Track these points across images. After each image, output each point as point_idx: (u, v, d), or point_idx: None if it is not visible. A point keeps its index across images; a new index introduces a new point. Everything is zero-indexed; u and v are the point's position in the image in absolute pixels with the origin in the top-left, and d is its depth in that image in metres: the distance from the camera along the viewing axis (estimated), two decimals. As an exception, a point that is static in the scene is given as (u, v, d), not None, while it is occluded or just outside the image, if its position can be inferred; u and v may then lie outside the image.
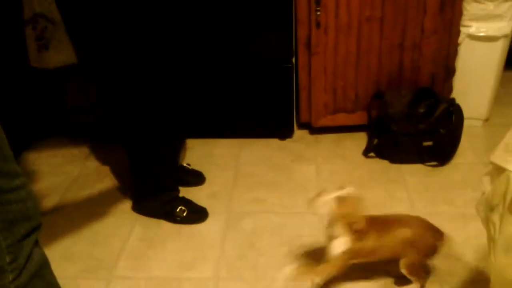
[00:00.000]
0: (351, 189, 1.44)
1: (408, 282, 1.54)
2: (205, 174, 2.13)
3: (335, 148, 2.31)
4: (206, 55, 2.21)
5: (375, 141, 2.22)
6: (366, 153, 2.23)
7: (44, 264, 1.15)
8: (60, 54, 2.25)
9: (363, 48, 2.19)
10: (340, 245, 1.44)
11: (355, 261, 1.48)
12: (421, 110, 2.11)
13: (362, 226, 1.42)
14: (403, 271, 1.50)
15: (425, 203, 1.93)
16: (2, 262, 1.05)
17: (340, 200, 1.42)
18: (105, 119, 2.36)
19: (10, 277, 1.07)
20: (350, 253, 1.44)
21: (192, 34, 2.15)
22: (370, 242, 1.45)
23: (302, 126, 2.43)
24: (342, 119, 2.34)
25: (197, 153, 2.28)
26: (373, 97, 2.27)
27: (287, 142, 2.38)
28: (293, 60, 2.23)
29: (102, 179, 2.17)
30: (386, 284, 1.60)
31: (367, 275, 1.62)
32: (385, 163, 2.18)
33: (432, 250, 1.51)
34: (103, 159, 2.31)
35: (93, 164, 2.28)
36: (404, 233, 1.48)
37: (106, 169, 2.24)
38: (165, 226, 1.89)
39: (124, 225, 1.90)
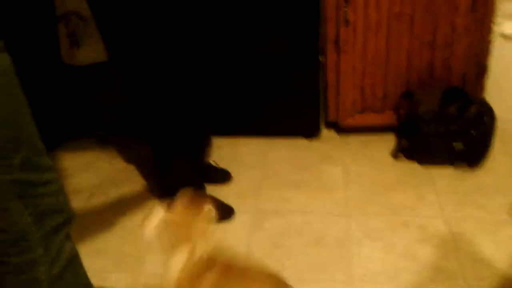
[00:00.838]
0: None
1: None
2: (232, 172, 2.13)
3: (363, 148, 2.28)
4: (233, 52, 2.21)
5: (404, 142, 2.18)
6: (395, 154, 2.19)
7: (75, 257, 1.18)
8: (91, 51, 2.28)
9: (392, 46, 2.15)
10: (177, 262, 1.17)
11: None
12: (452, 111, 2.07)
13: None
14: None
15: (455, 207, 1.89)
16: (34, 254, 1.08)
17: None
18: (131, 117, 2.39)
19: (42, 268, 1.09)
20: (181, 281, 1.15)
21: (220, 31, 2.15)
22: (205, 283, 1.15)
23: (329, 125, 2.41)
24: (370, 118, 2.31)
25: (224, 151, 2.28)
26: (402, 96, 2.23)
27: (314, 141, 2.36)
28: (321, 58, 2.21)
29: (130, 176, 2.20)
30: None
31: None
32: (414, 165, 2.14)
33: None
34: (131, 156, 2.33)
35: (121, 161, 2.31)
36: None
37: (134, 166, 2.26)
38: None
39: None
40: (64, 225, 1.13)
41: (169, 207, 1.19)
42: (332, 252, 1.72)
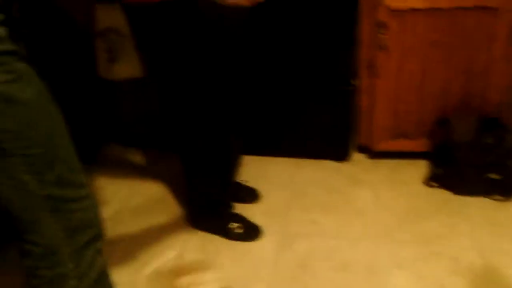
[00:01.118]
0: None
1: None
2: (260, 192, 2.13)
3: (394, 174, 2.25)
4: (266, 73, 2.22)
5: (438, 170, 2.14)
6: (428, 182, 2.15)
7: (105, 272, 1.18)
8: (127, 67, 2.33)
9: (427, 73, 2.13)
10: None
11: None
12: (489, 141, 2.02)
13: None
14: None
15: (490, 239, 1.83)
16: (65, 269, 1.09)
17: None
18: (163, 130, 2.42)
19: (72, 283, 1.10)
20: None
21: (256, 52, 2.17)
22: None
23: (360, 149, 2.39)
24: (403, 144, 2.27)
25: (252, 170, 2.28)
26: (437, 123, 2.19)
27: (344, 164, 2.34)
28: (354, 81, 2.20)
29: (159, 189, 2.22)
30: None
31: None
32: (448, 194, 2.08)
33: None
34: (161, 169, 2.35)
35: (151, 174, 2.33)
36: None
37: (164, 179, 2.28)
38: (219, 241, 1.90)
39: (180, 237, 1.93)
40: (96, 241, 1.14)
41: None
42: (359, 279, 1.69)
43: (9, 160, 0.96)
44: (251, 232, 1.90)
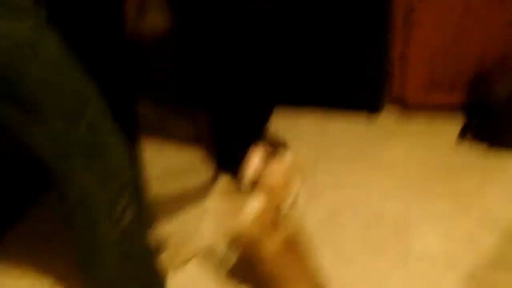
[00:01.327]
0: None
1: None
2: (289, 143, 2.11)
3: (429, 127, 2.19)
4: (299, 17, 2.15)
5: (473, 124, 2.08)
6: (462, 135, 2.09)
7: (137, 219, 1.21)
8: (157, 20, 2.31)
9: (469, 22, 2.03)
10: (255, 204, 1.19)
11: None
12: (528, 95, 1.94)
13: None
14: None
15: (525, 195, 1.79)
16: (99, 213, 1.12)
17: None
18: (192, 85, 2.40)
19: (106, 228, 1.14)
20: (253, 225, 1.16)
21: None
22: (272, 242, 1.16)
23: (393, 101, 2.32)
24: (438, 97, 2.20)
25: (281, 122, 2.26)
26: (475, 76, 2.11)
27: (376, 116, 2.29)
28: (390, 29, 2.12)
29: (189, 144, 2.23)
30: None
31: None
32: (482, 148, 2.03)
33: None
34: (191, 125, 2.35)
35: (181, 130, 2.33)
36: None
37: (191, 135, 2.28)
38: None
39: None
40: (128, 187, 1.16)
41: (265, 154, 1.20)
42: (388, 232, 1.68)
43: (40, 108, 0.97)
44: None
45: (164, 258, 1.42)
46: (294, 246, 1.21)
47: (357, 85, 2.26)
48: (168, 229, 1.61)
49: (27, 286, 1.61)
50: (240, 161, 1.92)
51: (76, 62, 1.03)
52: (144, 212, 1.45)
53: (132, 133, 1.32)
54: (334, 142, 2.14)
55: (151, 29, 2.25)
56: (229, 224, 1.22)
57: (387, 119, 2.27)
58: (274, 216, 1.18)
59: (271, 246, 1.16)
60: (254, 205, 1.19)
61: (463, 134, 2.10)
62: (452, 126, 2.15)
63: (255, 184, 1.18)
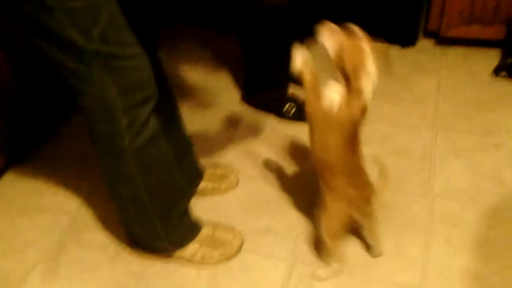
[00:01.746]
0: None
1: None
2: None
3: (463, 62, 2.12)
4: None
5: (510, 59, 2.00)
6: (497, 71, 2.02)
7: (159, 132, 1.22)
8: None
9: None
10: (336, 91, 1.14)
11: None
12: None
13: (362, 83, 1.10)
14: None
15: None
16: (120, 125, 1.13)
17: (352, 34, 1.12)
18: (223, 8, 2.35)
19: (127, 139, 1.15)
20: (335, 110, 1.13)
21: None
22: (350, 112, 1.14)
23: (428, 34, 2.24)
24: (476, 31, 2.11)
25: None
26: (515, 11, 2.01)
27: (409, 50, 2.22)
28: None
29: (217, 67, 2.22)
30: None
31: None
32: (516, 85, 1.97)
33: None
34: (220, 48, 2.34)
35: (210, 52, 2.33)
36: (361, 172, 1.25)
37: (222, 58, 2.27)
38: (271, 121, 1.92)
39: (234, 118, 1.97)
40: (149, 101, 1.16)
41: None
42: (414, 165, 1.68)
43: (53, 17, 0.96)
44: (303, 112, 1.89)
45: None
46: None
47: (391, 17, 2.17)
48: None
49: (56, 204, 1.68)
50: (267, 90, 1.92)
51: None
52: (175, 128, 1.47)
53: (155, 54, 1.30)
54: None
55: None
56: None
57: (420, 53, 2.20)
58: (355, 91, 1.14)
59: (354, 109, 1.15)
60: (337, 89, 1.16)
61: (498, 71, 2.02)
62: (488, 61, 2.08)
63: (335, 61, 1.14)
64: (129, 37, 1.08)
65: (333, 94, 1.16)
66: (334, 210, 1.26)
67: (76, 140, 1.91)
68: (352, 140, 1.20)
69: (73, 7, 0.96)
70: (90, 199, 1.68)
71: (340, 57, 1.13)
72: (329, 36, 1.13)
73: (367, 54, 1.13)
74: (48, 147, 1.91)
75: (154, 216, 1.32)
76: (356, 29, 1.15)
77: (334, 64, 1.15)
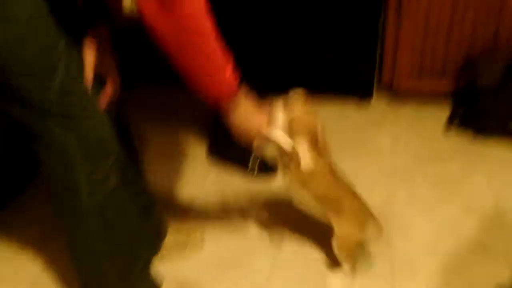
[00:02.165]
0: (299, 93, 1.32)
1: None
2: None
3: (416, 114, 2.23)
4: (290, 5, 2.16)
5: (461, 111, 2.11)
6: (449, 122, 2.13)
7: (119, 188, 1.23)
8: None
9: (458, 10, 2.05)
10: (306, 152, 1.32)
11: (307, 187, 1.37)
12: (514, 85, 1.97)
13: (320, 138, 1.32)
14: (334, 243, 1.45)
15: (506, 183, 1.83)
16: (79, 180, 1.15)
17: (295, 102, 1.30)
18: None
19: (86, 194, 1.16)
20: (311, 169, 1.33)
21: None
22: (326, 173, 1.38)
23: (382, 87, 2.35)
24: (427, 84, 2.23)
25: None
26: (463, 64, 2.14)
27: (365, 102, 2.32)
28: (381, 16, 2.14)
29: (181, 124, 2.27)
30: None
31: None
32: (468, 135, 2.07)
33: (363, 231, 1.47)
34: (185, 106, 2.40)
35: (173, 109, 2.38)
36: (351, 195, 1.46)
37: (187, 114, 2.32)
38: (238, 176, 1.96)
39: (201, 173, 2.00)
40: (110, 157, 1.18)
41: (286, 105, 1.28)
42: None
43: (6, 72, 0.99)
44: (268, 169, 1.93)
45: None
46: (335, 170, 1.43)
47: (348, 71, 2.28)
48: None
49: (18, 267, 1.65)
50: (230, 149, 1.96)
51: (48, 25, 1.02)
52: (138, 184, 1.47)
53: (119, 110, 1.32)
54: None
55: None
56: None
57: (375, 106, 2.30)
58: (317, 149, 1.34)
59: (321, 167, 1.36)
60: (304, 148, 1.32)
61: (451, 120, 2.13)
62: (440, 113, 2.19)
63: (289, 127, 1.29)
64: (85, 89, 1.11)
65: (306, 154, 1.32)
66: (347, 233, 1.43)
67: (38, 203, 1.89)
68: (332, 172, 1.42)
69: (30, 64, 0.99)
70: (50, 266, 1.65)
71: (292, 126, 1.29)
72: (282, 111, 1.28)
73: (314, 120, 1.32)
74: (7, 212, 1.87)
75: (113, 274, 1.31)
76: (301, 98, 1.32)
77: (289, 131, 1.29)
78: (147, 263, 1.41)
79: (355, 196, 1.48)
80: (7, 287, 1.59)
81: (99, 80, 1.21)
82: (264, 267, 1.58)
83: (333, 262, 1.53)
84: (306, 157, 1.32)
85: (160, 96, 2.48)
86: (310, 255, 1.61)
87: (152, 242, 1.54)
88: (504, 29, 2.05)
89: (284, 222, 1.71)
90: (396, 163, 1.96)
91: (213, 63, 1.11)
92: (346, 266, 1.50)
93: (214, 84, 1.14)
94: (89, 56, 1.15)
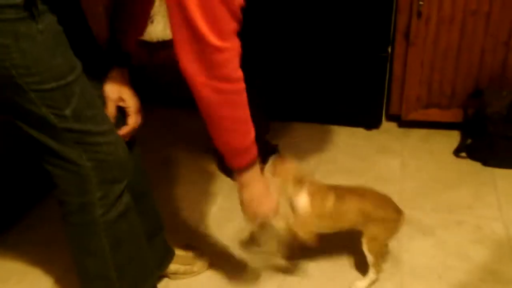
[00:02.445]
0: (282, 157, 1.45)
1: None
2: (287, 156, 2.15)
3: (424, 144, 2.24)
4: (300, 38, 2.23)
5: (469, 141, 2.12)
6: (457, 152, 2.14)
7: (131, 208, 1.25)
8: (164, 29, 2.38)
9: (465, 43, 2.09)
10: (302, 199, 1.41)
11: (320, 224, 1.45)
12: (522, 114, 1.99)
13: (310, 179, 1.42)
14: (364, 247, 1.47)
15: (516, 211, 1.83)
16: (93, 197, 1.16)
17: (277, 165, 1.40)
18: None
19: (100, 211, 1.17)
20: (313, 211, 1.41)
21: (287, 16, 2.18)
22: (329, 203, 1.43)
23: (391, 118, 2.38)
24: (434, 114, 2.26)
25: (281, 135, 2.31)
26: (470, 95, 2.16)
27: (374, 132, 2.34)
28: (389, 49, 2.19)
29: (187, 144, 2.30)
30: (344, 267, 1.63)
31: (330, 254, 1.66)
32: (477, 165, 2.07)
33: (392, 227, 1.49)
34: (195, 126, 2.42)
35: (185, 131, 2.41)
36: (362, 203, 1.46)
37: (196, 135, 2.36)
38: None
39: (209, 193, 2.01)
40: (125, 176, 1.20)
41: (276, 170, 1.39)
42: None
43: (24, 95, 1.02)
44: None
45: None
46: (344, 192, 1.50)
47: (356, 103, 2.31)
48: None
49: (28, 285, 1.65)
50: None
51: (63, 48, 1.05)
52: (146, 205, 1.48)
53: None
54: (331, 157, 2.19)
55: (159, 33, 2.33)
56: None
57: (384, 135, 2.32)
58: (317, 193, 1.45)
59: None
60: (302, 199, 1.42)
61: (458, 151, 2.14)
62: (447, 143, 2.20)
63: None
64: (101, 113, 1.14)
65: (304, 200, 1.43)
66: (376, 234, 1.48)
67: (44, 224, 1.90)
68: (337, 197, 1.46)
69: (46, 88, 1.02)
70: (59, 284, 1.65)
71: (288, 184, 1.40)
72: (275, 172, 1.39)
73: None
74: (13, 232, 1.88)
75: None
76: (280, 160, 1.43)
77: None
78: (154, 286, 1.40)
79: (373, 196, 1.51)
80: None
81: (122, 113, 1.27)
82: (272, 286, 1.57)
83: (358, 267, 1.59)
84: (305, 204, 1.41)
85: (166, 116, 2.52)
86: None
87: (158, 265, 1.53)
88: (511, 60, 2.08)
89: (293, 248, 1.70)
90: (403, 190, 1.96)
91: (242, 125, 1.16)
92: (373, 268, 1.52)
93: (236, 140, 1.17)
94: (110, 92, 1.22)
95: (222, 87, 1.05)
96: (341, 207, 1.44)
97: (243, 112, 1.13)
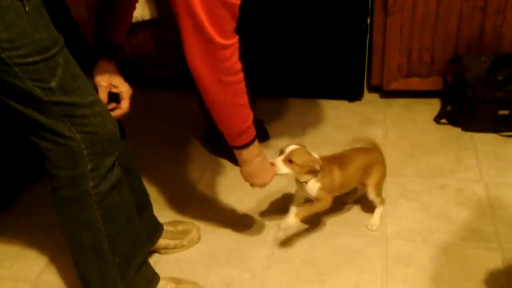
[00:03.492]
0: (293, 146, 1.53)
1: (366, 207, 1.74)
2: (272, 131, 2.18)
3: (406, 112, 2.28)
4: (280, 14, 2.23)
5: (449, 107, 2.16)
6: (438, 119, 2.18)
7: (122, 181, 1.26)
8: (144, 9, 2.35)
9: (442, 10, 2.11)
10: (314, 185, 1.55)
11: (332, 194, 1.59)
12: (500, 78, 2.02)
13: (320, 164, 1.51)
14: (371, 195, 1.65)
15: (495, 172, 1.87)
16: (85, 170, 1.17)
17: (289, 157, 1.49)
18: (181, 70, 2.45)
19: (92, 184, 1.19)
20: (325, 189, 1.55)
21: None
22: (336, 175, 1.57)
23: (372, 89, 2.41)
24: (415, 83, 2.29)
25: (265, 109, 2.32)
26: (449, 61, 2.20)
27: (356, 104, 2.37)
28: (368, 20, 2.20)
29: (177, 126, 2.31)
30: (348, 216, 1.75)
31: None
32: (457, 130, 2.12)
33: (384, 163, 1.69)
34: (178, 108, 2.44)
35: (169, 113, 2.42)
36: (361, 160, 1.62)
37: (181, 117, 2.37)
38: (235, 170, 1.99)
39: (196, 170, 2.03)
40: (113, 149, 1.21)
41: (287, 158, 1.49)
42: (367, 209, 1.76)
43: (8, 70, 1.01)
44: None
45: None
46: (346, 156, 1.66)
47: (338, 76, 2.33)
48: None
49: (20, 267, 1.66)
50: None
51: (47, 22, 1.05)
52: (134, 181, 1.49)
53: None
54: (315, 130, 2.22)
55: (141, 15, 2.32)
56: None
57: (366, 106, 2.35)
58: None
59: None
60: (313, 182, 1.55)
61: (439, 118, 2.18)
62: (428, 111, 2.24)
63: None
64: (86, 85, 1.14)
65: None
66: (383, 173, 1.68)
67: (35, 208, 1.91)
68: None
69: (30, 62, 1.02)
70: (51, 265, 1.67)
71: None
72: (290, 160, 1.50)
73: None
74: (4, 216, 1.89)
75: (113, 267, 1.32)
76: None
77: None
78: (145, 259, 1.43)
79: (365, 150, 1.68)
80: (9, 286, 1.60)
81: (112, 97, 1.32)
82: (262, 260, 1.60)
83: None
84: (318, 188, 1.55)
85: (149, 97, 2.53)
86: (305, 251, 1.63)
87: (149, 239, 1.55)
88: (489, 24, 2.11)
89: (281, 213, 1.73)
90: (388, 156, 1.98)
91: (243, 109, 1.30)
92: (380, 204, 1.69)
93: (239, 124, 1.31)
94: (101, 80, 1.29)
95: (226, 79, 1.20)
96: (346, 174, 1.59)
97: (243, 98, 1.27)
